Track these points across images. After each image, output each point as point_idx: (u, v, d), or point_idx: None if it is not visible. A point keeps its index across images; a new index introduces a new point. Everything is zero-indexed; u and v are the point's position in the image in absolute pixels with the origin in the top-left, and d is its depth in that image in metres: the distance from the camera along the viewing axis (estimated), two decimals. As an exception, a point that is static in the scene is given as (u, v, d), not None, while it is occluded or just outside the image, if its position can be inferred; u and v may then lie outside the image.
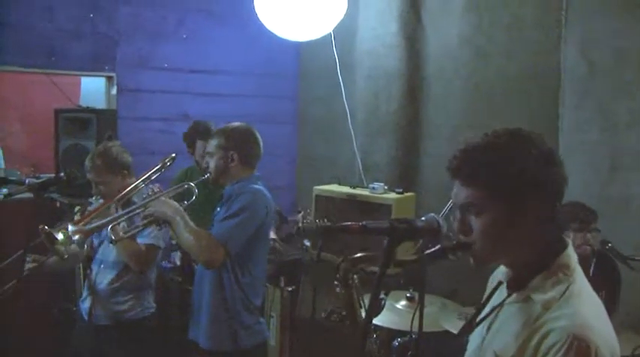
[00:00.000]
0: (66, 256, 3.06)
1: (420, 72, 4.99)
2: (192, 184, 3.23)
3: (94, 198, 3.57)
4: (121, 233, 3.14)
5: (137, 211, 3.15)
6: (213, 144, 3.21)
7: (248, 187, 3.15)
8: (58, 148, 4.86)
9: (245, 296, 3.15)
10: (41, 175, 5.14)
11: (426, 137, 4.96)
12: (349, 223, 1.58)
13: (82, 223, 3.09)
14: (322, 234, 1.66)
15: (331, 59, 5.30)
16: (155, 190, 3.22)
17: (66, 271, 4.28)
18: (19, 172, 5.52)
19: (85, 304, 3.54)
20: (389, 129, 5.10)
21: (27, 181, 3.35)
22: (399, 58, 5.04)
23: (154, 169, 3.45)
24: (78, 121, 4.86)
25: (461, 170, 1.55)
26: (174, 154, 3.50)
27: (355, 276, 1.86)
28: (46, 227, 2.97)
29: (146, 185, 3.44)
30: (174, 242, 4.20)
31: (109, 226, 3.09)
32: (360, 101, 5.33)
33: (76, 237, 3.02)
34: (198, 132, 4.82)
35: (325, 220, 4.49)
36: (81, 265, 4.24)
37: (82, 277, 4.33)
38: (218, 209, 3.22)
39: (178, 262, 4.90)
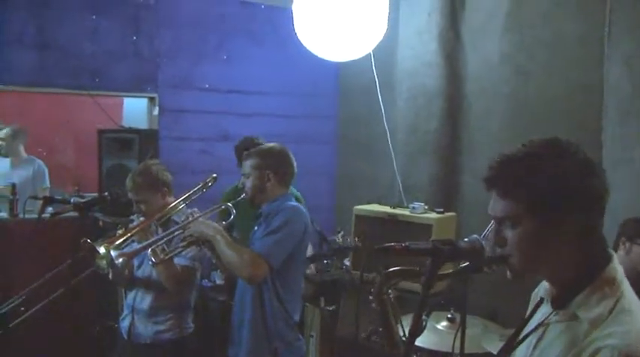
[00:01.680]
0: (105, 271, 3.12)
1: (460, 90, 4.97)
2: (229, 204, 3.30)
3: (135, 216, 3.62)
4: (161, 255, 3.18)
5: (176, 233, 3.21)
6: (248, 165, 3.24)
7: (286, 204, 3.18)
8: (101, 168, 4.92)
9: (285, 312, 3.17)
10: (85, 195, 5.14)
11: (467, 156, 4.94)
12: (392, 243, 1.57)
13: (122, 239, 3.16)
14: (369, 254, 1.65)
15: (371, 79, 5.30)
16: (192, 213, 3.26)
17: (111, 289, 4.38)
18: (63, 191, 5.60)
19: (125, 323, 3.56)
20: (429, 148, 5.09)
21: (72, 200, 3.42)
22: (439, 77, 5.02)
23: (195, 189, 3.50)
24: (120, 141, 4.92)
25: (497, 181, 1.52)
26: (215, 175, 3.55)
27: (390, 291, 1.85)
28: (88, 240, 3.03)
29: (186, 206, 3.47)
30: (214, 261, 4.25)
31: (150, 249, 3.15)
32: (400, 120, 5.31)
33: (120, 260, 3.09)
34: (253, 145, 4.79)
35: (356, 240, 4.50)
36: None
37: (123, 295, 4.35)
38: (256, 228, 3.25)
39: (218, 281, 4.95)
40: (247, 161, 3.26)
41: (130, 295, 3.58)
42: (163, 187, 3.52)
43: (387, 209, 4.65)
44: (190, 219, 3.20)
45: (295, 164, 3.31)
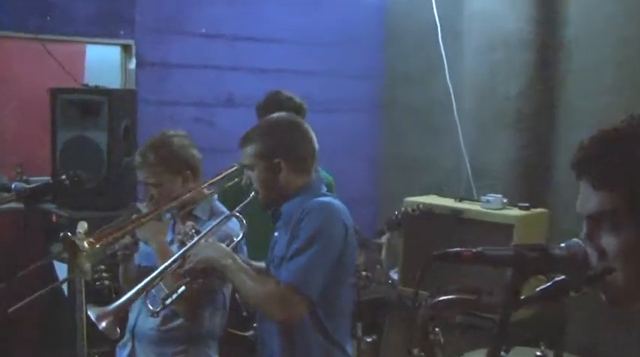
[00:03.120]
0: (88, 278, 3.14)
1: (556, 39, 4.96)
2: (238, 214, 3.31)
3: (143, 204, 3.62)
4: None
5: (171, 267, 3.18)
6: (249, 153, 3.19)
7: (311, 202, 3.11)
8: (55, 142, 4.91)
9: (333, 345, 3.15)
10: (32, 179, 5.23)
11: (564, 130, 4.97)
12: (459, 249, 1.59)
13: (119, 232, 3.19)
14: (427, 264, 1.65)
15: (430, 24, 5.33)
16: (188, 231, 3.27)
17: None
18: (1, 175, 5.52)
19: (124, 352, 3.62)
20: (509, 119, 5.12)
21: (14, 186, 3.41)
22: (526, 21, 5.02)
23: (225, 172, 3.55)
24: (82, 105, 4.91)
25: (589, 167, 1.53)
26: (235, 165, 3.55)
27: (437, 329, 1.85)
28: (69, 233, 3.01)
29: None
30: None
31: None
32: (469, 81, 5.35)
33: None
34: (281, 104, 4.47)
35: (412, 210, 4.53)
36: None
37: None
38: (276, 234, 3.25)
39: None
40: (246, 147, 3.20)
41: (132, 314, 3.62)
42: (187, 169, 3.55)
43: (451, 202, 4.66)
44: (185, 240, 3.22)
45: (315, 139, 3.24)
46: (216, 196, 3.64)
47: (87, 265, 3.05)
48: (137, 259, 3.60)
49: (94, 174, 4.68)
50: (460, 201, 4.68)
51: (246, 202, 3.29)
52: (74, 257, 3.01)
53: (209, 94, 5.81)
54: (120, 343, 3.65)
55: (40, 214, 4.64)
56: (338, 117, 5.50)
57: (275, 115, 3.34)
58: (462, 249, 1.58)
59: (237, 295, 3.27)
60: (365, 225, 5.41)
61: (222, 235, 3.31)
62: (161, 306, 3.12)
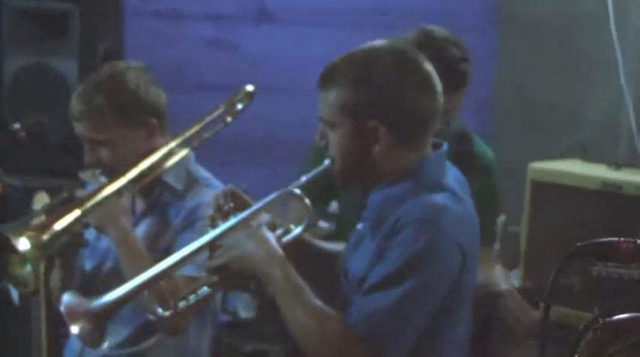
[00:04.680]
0: (30, 289, 3.22)
1: None
2: (297, 191, 3.13)
3: (88, 172, 3.64)
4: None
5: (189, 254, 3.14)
6: (329, 101, 3.04)
7: (417, 201, 2.94)
8: (0, 73, 5.03)
9: None
10: None
11: None
12: (615, 238, 1.71)
13: (64, 222, 3.22)
14: (567, 260, 1.78)
15: None
16: (222, 204, 3.15)
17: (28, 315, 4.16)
18: None
19: None
20: None
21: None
22: None
23: (209, 118, 3.60)
24: (41, 17, 4.99)
25: None
26: (249, 88, 3.62)
27: None
28: None
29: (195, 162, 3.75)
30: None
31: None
32: None
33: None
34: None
35: None
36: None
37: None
38: (360, 226, 3.15)
39: (243, 314, 5.22)
40: (328, 91, 3.04)
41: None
42: (149, 116, 3.61)
43: (602, 171, 4.42)
44: (220, 216, 3.11)
45: (440, 92, 3.05)
46: (193, 157, 3.70)
47: (25, 271, 3.18)
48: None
49: (58, 122, 4.58)
50: (617, 169, 4.45)
51: (315, 172, 3.12)
52: (7, 261, 3.20)
53: (231, 3, 5.86)
54: None
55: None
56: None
57: (380, 44, 3.12)
58: (620, 239, 1.69)
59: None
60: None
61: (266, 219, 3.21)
62: (172, 310, 3.08)
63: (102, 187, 3.40)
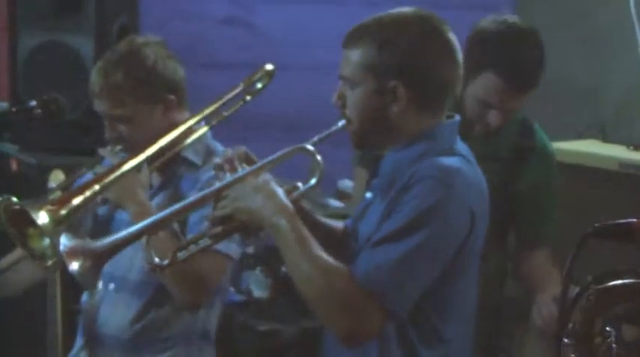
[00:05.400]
0: (50, 263, 3.18)
1: None
2: (310, 148, 3.09)
3: (108, 149, 3.68)
4: (166, 253, 3.10)
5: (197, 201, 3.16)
6: (352, 60, 3.06)
7: (431, 161, 2.96)
8: (15, 52, 5.03)
9: None
10: None
11: None
12: (633, 220, 1.74)
13: (82, 197, 3.26)
14: (582, 241, 1.80)
15: None
16: (234, 158, 3.12)
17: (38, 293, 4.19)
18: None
19: None
20: None
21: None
22: None
23: (229, 96, 3.61)
24: None
25: None
26: (269, 66, 3.66)
27: (609, 328, 1.93)
28: (16, 200, 3.10)
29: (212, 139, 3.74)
30: (250, 250, 4.65)
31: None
32: None
33: (80, 262, 3.02)
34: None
35: None
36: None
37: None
38: (368, 195, 3.21)
39: (257, 292, 5.20)
40: (351, 50, 3.07)
41: (88, 309, 3.72)
42: (167, 92, 3.61)
43: (621, 152, 4.60)
44: (227, 169, 3.07)
45: (460, 59, 3.08)
46: (210, 133, 3.72)
47: (44, 246, 3.15)
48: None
49: (74, 99, 4.57)
50: (636, 150, 4.49)
51: (332, 130, 3.10)
52: (24, 235, 3.16)
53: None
54: (71, 353, 3.77)
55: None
56: (457, 17, 5.37)
57: (409, 10, 3.12)
58: (638, 219, 1.73)
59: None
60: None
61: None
62: (168, 260, 3.05)
63: (121, 162, 3.43)
